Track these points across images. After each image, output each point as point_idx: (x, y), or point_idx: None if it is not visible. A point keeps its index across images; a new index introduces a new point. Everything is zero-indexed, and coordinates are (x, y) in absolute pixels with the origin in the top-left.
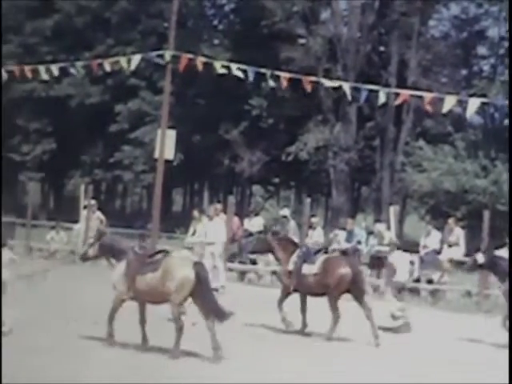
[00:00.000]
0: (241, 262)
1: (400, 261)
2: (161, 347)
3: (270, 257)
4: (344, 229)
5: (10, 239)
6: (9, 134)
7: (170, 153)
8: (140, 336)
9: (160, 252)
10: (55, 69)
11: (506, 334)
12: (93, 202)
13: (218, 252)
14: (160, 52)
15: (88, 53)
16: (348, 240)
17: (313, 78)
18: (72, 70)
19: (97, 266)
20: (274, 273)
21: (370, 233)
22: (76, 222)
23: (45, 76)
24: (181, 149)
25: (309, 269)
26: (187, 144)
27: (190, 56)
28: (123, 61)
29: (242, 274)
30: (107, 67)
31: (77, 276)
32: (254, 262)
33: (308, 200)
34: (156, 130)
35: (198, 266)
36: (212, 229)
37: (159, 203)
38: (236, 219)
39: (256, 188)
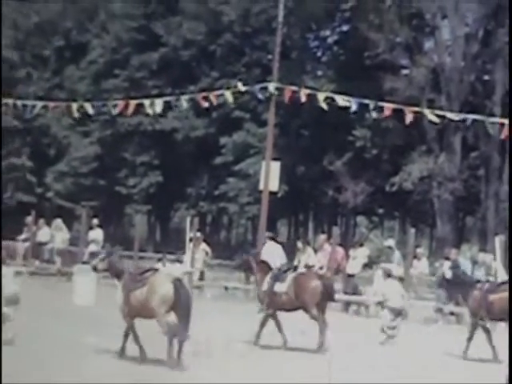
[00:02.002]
0: (345, 293)
1: None
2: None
3: (376, 287)
4: (449, 259)
5: None
6: (116, 167)
7: (274, 184)
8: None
9: (149, 270)
10: (161, 102)
11: None
12: (198, 234)
13: None
14: (264, 84)
15: (193, 86)
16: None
17: (416, 109)
18: (177, 104)
19: (204, 299)
20: (379, 303)
21: (475, 263)
22: (182, 253)
23: (150, 110)
24: (285, 180)
25: (280, 287)
26: (291, 175)
27: (294, 88)
28: (228, 94)
29: (347, 305)
30: (212, 101)
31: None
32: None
33: (412, 230)
34: (260, 162)
35: (177, 283)
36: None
37: (264, 234)
38: (341, 250)
39: (360, 219)
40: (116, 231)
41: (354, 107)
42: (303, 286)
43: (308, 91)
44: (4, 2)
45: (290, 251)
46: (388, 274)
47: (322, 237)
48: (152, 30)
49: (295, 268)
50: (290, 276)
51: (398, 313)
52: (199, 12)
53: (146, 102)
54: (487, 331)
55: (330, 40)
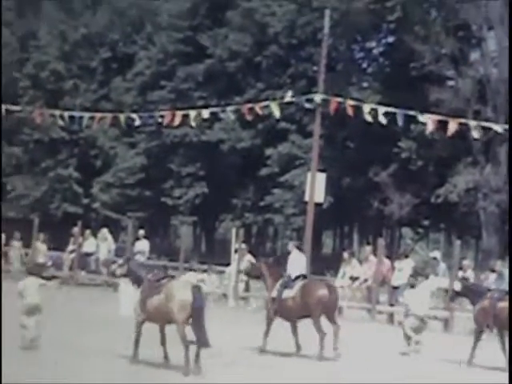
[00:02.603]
0: (390, 305)
1: None
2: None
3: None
4: (494, 271)
5: None
6: (162, 178)
7: (319, 196)
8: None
9: (166, 277)
10: (207, 114)
11: None
12: (243, 245)
13: None
14: (310, 96)
15: (239, 97)
16: (498, 282)
17: (462, 120)
18: (223, 115)
19: (246, 311)
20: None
21: None
22: (227, 265)
23: (196, 121)
24: (330, 191)
25: (288, 293)
26: (337, 187)
27: (339, 99)
28: (273, 105)
29: (391, 316)
30: (257, 112)
31: (228, 319)
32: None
33: (458, 242)
34: (306, 173)
35: (195, 290)
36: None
37: (309, 246)
38: (387, 261)
39: (405, 230)
40: (162, 242)
41: (399, 118)
42: (310, 293)
43: (353, 102)
44: (52, 14)
45: (335, 262)
46: (411, 285)
47: (368, 248)
48: (198, 42)
49: (304, 276)
50: (299, 284)
51: (421, 321)
52: (245, 24)
53: (192, 113)
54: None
55: (375, 51)
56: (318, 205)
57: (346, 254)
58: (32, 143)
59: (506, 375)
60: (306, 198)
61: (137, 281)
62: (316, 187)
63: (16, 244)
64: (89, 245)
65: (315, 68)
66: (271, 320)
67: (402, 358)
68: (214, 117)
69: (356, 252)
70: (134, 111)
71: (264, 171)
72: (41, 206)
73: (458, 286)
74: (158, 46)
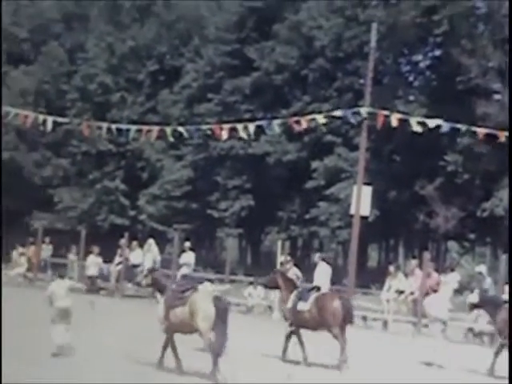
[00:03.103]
0: None
1: None
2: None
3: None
4: None
5: None
6: (208, 190)
7: (365, 209)
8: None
9: (190, 289)
10: (253, 127)
11: None
12: (289, 257)
13: None
14: (356, 109)
15: (285, 110)
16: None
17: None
18: (269, 128)
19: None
20: (469, 329)
21: None
22: None
23: (244, 134)
24: (376, 205)
25: (303, 306)
26: (383, 200)
27: (386, 112)
28: (320, 118)
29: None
30: (303, 125)
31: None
32: None
33: (504, 256)
34: (352, 187)
35: (218, 300)
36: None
37: (355, 259)
38: (435, 275)
39: (451, 244)
40: (208, 254)
41: (445, 131)
42: (325, 305)
43: (400, 116)
44: (100, 27)
45: (381, 276)
46: (434, 290)
47: (414, 262)
48: (245, 55)
49: (318, 288)
50: (313, 296)
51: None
52: (292, 37)
53: (239, 126)
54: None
55: (422, 65)
56: (363, 218)
57: (391, 268)
58: (79, 155)
59: None
60: (352, 211)
61: (160, 290)
62: (362, 200)
63: (72, 257)
64: (135, 256)
65: (361, 81)
66: (291, 332)
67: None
68: (261, 129)
69: (402, 265)
70: (181, 124)
71: (310, 184)
72: (88, 218)
73: (475, 298)
74: (206, 59)
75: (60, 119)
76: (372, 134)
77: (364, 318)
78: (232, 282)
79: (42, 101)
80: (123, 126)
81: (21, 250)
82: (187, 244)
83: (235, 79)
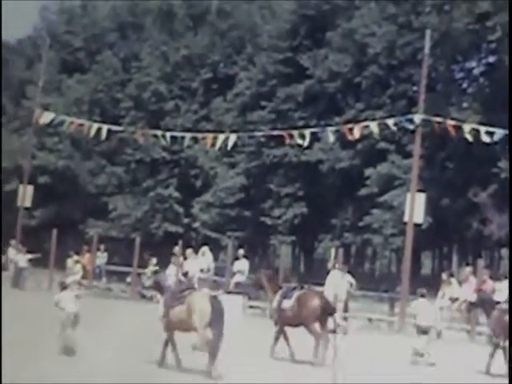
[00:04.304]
0: None
1: None
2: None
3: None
4: None
5: (259, 302)
6: (261, 198)
7: (419, 216)
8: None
9: (188, 289)
10: (307, 134)
11: None
12: (342, 265)
13: None
14: (410, 116)
15: (338, 117)
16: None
17: None
18: (323, 136)
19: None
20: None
21: None
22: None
23: (300, 141)
24: (430, 212)
25: (286, 304)
26: (436, 207)
27: (439, 119)
28: (373, 126)
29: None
30: (357, 132)
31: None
32: None
33: None
34: (405, 194)
35: (214, 300)
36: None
37: (408, 266)
38: (490, 282)
39: (504, 251)
40: (261, 262)
41: (498, 139)
42: (304, 303)
43: (453, 123)
44: (154, 36)
45: (434, 283)
46: (421, 295)
47: (467, 269)
48: (298, 63)
49: (301, 287)
50: (295, 294)
51: (425, 331)
52: (345, 44)
53: (295, 133)
54: (503, 349)
55: (475, 71)
56: (417, 225)
57: (444, 275)
58: (134, 163)
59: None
60: (406, 219)
61: (161, 291)
62: (415, 207)
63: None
64: (189, 264)
65: (415, 88)
66: (280, 331)
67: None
68: (314, 137)
69: (455, 273)
70: (234, 131)
71: (363, 191)
72: (142, 226)
73: (473, 298)
74: (259, 67)
75: (114, 127)
76: (425, 141)
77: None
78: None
79: (97, 109)
80: (177, 134)
81: (76, 257)
82: (241, 251)
83: (288, 87)
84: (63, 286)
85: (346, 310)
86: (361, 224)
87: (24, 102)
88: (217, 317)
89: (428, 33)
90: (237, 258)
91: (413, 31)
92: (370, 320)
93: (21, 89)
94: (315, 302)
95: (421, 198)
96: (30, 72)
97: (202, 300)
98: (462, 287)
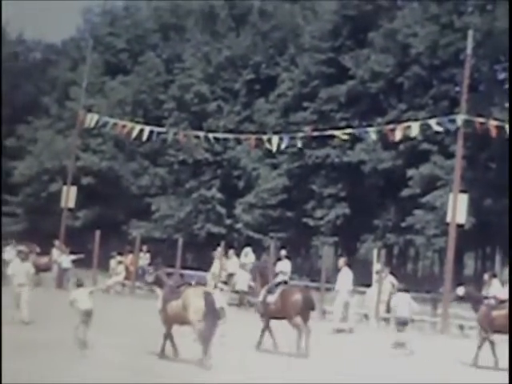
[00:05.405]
0: None
1: None
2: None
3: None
4: None
5: None
6: (303, 199)
7: (461, 217)
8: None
9: (184, 284)
10: (348, 135)
11: None
12: (385, 266)
13: None
14: (452, 117)
15: (380, 118)
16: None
17: None
18: (365, 136)
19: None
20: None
21: None
22: (368, 286)
23: (341, 140)
24: (472, 213)
25: (270, 298)
26: (479, 208)
27: (482, 120)
28: (415, 126)
29: None
30: (399, 133)
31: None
32: None
33: None
34: (448, 194)
35: (207, 295)
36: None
37: (451, 267)
38: None
39: None
40: (303, 263)
41: None
42: (286, 298)
43: (496, 123)
44: (197, 37)
45: (477, 284)
46: (398, 289)
47: None
48: (340, 63)
49: (286, 282)
50: (279, 289)
51: (404, 323)
52: (387, 44)
53: (338, 132)
54: (491, 343)
55: None
56: (459, 226)
57: (486, 276)
58: (176, 164)
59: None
60: (448, 219)
61: (161, 286)
62: (458, 208)
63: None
64: (232, 264)
65: (457, 88)
66: (266, 322)
67: None
68: (356, 138)
69: (498, 273)
70: (277, 132)
71: (405, 192)
72: (185, 227)
73: (461, 291)
74: (301, 68)
75: (157, 129)
76: (468, 142)
77: (461, 327)
78: (327, 290)
79: (140, 110)
80: (220, 135)
81: (119, 258)
82: (283, 252)
83: (330, 87)
84: (78, 284)
85: (388, 310)
86: (403, 225)
87: (68, 103)
88: (210, 311)
89: (470, 33)
90: (279, 259)
91: (455, 31)
92: (412, 321)
93: (65, 90)
94: (297, 297)
95: (463, 199)
96: (73, 73)
97: (196, 295)
98: (504, 288)
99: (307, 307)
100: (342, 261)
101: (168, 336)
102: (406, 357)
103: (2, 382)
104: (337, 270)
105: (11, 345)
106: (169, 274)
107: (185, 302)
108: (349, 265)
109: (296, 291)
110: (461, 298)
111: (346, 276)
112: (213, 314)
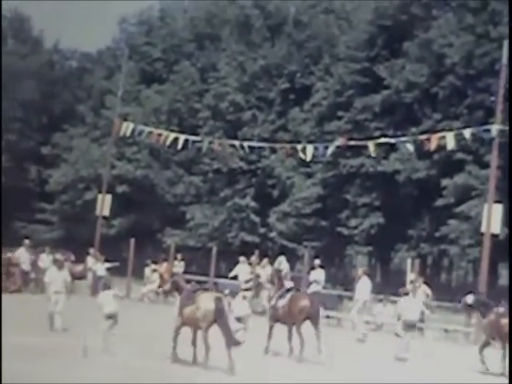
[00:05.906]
0: None
1: None
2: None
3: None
4: None
5: (336, 312)
6: (338, 208)
7: (496, 227)
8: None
9: (200, 289)
10: (384, 145)
11: None
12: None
13: None
14: (487, 126)
15: (415, 128)
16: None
17: None
18: (401, 146)
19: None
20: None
21: None
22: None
23: (374, 152)
24: (507, 223)
25: (281, 303)
26: None
27: None
28: (450, 136)
29: None
30: (434, 143)
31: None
32: None
33: None
34: (482, 204)
35: (218, 300)
36: None
37: (485, 277)
38: None
39: None
40: (337, 272)
41: None
42: (295, 303)
43: None
44: (232, 46)
45: None
46: (405, 293)
47: None
48: (375, 73)
49: (297, 289)
50: (289, 295)
51: (411, 326)
52: (422, 54)
53: (371, 143)
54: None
55: None
56: (494, 236)
57: None
58: (211, 173)
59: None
60: (483, 229)
61: (179, 291)
62: (492, 218)
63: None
64: (266, 273)
65: (492, 98)
66: (271, 326)
67: None
68: (390, 147)
69: None
70: (311, 142)
71: (440, 202)
72: (219, 235)
73: (470, 299)
74: (336, 77)
75: (192, 137)
76: (502, 152)
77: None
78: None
79: (175, 119)
80: (255, 144)
81: (153, 266)
82: (317, 261)
83: (365, 97)
84: (105, 286)
85: (422, 320)
86: (437, 234)
87: (103, 111)
88: (220, 316)
89: (506, 43)
90: (313, 268)
91: (491, 41)
92: (446, 331)
93: (100, 99)
94: (305, 302)
95: (498, 209)
96: (109, 82)
97: (207, 300)
98: None
99: (315, 313)
100: (360, 270)
101: (173, 338)
102: (435, 367)
103: (3, 382)
104: (372, 279)
105: (43, 352)
106: (202, 283)
107: (197, 307)
108: (367, 274)
109: (305, 297)
110: (469, 306)
111: (364, 285)
112: (224, 317)
